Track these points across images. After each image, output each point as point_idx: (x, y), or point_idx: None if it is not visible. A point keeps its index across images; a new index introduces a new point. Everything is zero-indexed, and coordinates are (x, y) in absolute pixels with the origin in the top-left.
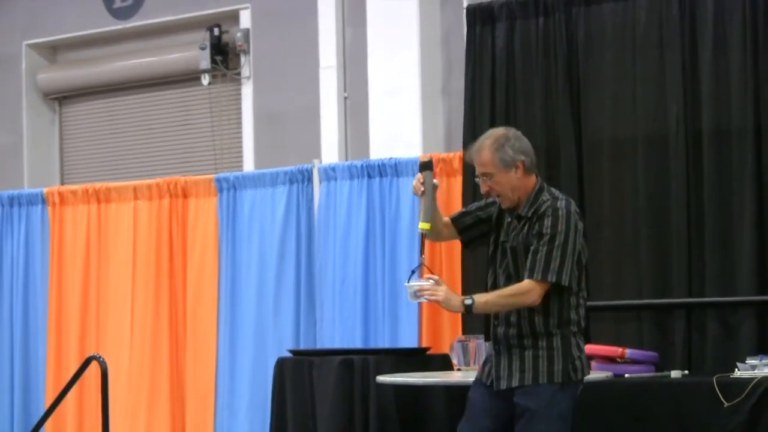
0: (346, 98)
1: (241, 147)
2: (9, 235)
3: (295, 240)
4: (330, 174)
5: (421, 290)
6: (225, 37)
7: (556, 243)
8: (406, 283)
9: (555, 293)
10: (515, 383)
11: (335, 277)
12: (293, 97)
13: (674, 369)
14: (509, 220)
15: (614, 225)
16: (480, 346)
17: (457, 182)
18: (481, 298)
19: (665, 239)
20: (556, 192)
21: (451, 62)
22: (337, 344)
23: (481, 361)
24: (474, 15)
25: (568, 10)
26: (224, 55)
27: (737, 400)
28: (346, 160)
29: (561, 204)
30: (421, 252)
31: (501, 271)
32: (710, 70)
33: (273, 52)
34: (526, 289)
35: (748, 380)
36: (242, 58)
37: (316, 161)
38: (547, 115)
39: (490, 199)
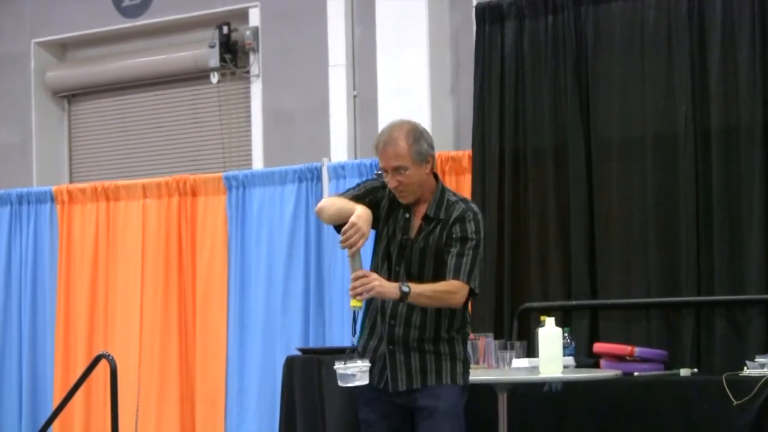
0: (355, 97)
1: (250, 145)
2: (18, 234)
3: (304, 238)
4: (339, 172)
5: (352, 288)
6: (234, 36)
7: (479, 250)
8: (335, 366)
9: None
10: (417, 384)
11: (344, 276)
12: (302, 96)
13: (683, 367)
14: (407, 216)
15: (623, 224)
16: (490, 344)
17: (467, 180)
18: (416, 288)
19: (674, 238)
20: (456, 193)
21: (459, 61)
22: (346, 343)
23: (492, 359)
24: (483, 14)
25: (577, 8)
26: (233, 53)
27: (746, 398)
28: (356, 158)
29: (476, 208)
30: (353, 332)
31: (401, 268)
32: (719, 69)
33: (282, 51)
34: (457, 289)
35: (757, 378)
36: (251, 57)
37: (325, 160)
38: (556, 114)
39: (376, 183)
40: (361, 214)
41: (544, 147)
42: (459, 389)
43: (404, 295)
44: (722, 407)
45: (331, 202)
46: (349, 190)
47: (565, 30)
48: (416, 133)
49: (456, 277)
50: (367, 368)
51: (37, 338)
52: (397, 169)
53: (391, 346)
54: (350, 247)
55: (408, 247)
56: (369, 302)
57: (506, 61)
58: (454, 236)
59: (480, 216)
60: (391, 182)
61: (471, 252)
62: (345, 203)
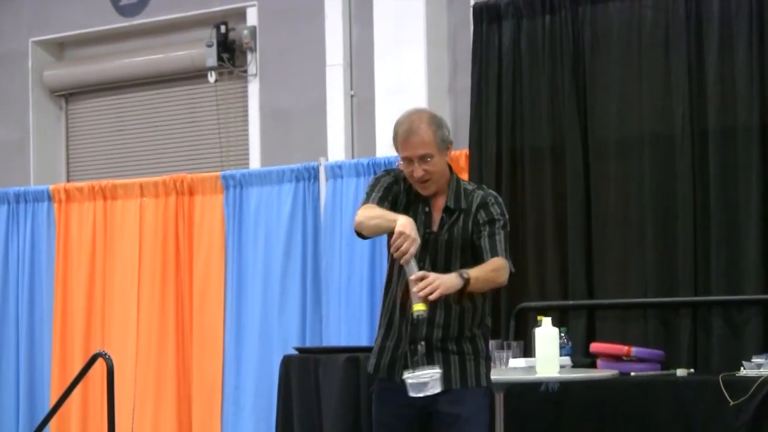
0: (352, 96)
1: (248, 144)
2: (15, 232)
3: (302, 237)
4: (336, 172)
5: (419, 291)
6: (232, 35)
7: (507, 229)
8: (405, 376)
9: (480, 295)
10: (440, 387)
11: (341, 275)
12: (300, 95)
13: (680, 367)
14: (427, 210)
15: (620, 223)
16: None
17: (464, 179)
18: (472, 273)
19: (671, 238)
20: (469, 182)
21: (457, 61)
22: (343, 342)
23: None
24: (481, 13)
25: (574, 8)
26: (231, 52)
27: (743, 398)
28: (353, 158)
29: (495, 193)
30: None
31: (426, 263)
32: (716, 70)
33: (280, 50)
34: (502, 265)
35: (754, 379)
36: (249, 56)
37: (322, 159)
38: (554, 114)
39: (389, 179)
40: (405, 222)
41: (542, 146)
42: (483, 391)
43: (466, 283)
44: (719, 407)
45: (368, 216)
46: (368, 192)
47: (563, 30)
48: (437, 120)
49: (495, 254)
50: (439, 374)
51: (35, 336)
52: (423, 158)
53: (413, 346)
54: (403, 254)
55: (432, 241)
56: (385, 300)
57: (503, 60)
58: (481, 221)
59: (500, 199)
60: (417, 172)
61: (501, 231)
62: (382, 214)
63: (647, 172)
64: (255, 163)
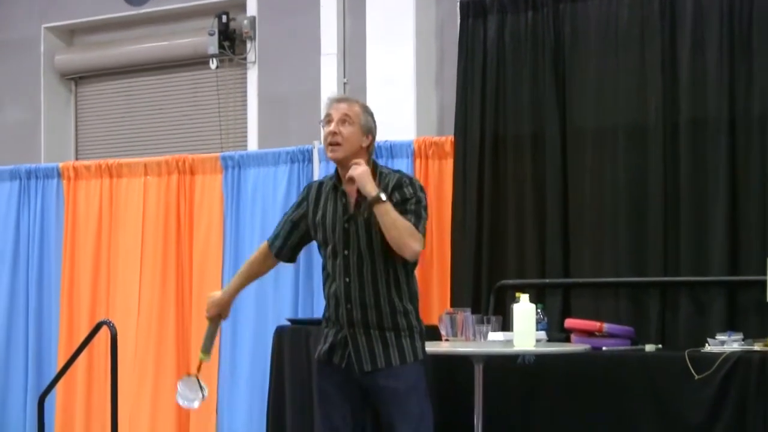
0: (345, 84)
1: (246, 128)
2: (26, 207)
3: None
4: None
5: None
6: (232, 24)
7: (423, 205)
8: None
9: (402, 266)
10: (381, 364)
11: None
12: (295, 82)
13: (649, 343)
14: (344, 200)
15: (595, 208)
16: (467, 319)
17: (448, 164)
18: (387, 204)
19: (642, 222)
20: (389, 168)
21: (444, 52)
22: (302, 315)
23: (469, 333)
24: (467, 8)
25: (555, 5)
26: (231, 41)
27: (707, 373)
28: None
29: (411, 176)
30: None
31: (350, 251)
32: (688, 65)
33: (277, 39)
34: (414, 232)
35: (718, 354)
36: (248, 44)
37: (316, 142)
38: (534, 104)
39: (296, 202)
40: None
41: (523, 134)
42: (420, 365)
43: (377, 198)
44: (685, 381)
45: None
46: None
47: (544, 25)
48: (368, 109)
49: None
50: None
51: (43, 305)
52: (342, 120)
53: (351, 330)
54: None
55: (353, 225)
56: (329, 281)
57: (488, 53)
58: (394, 201)
59: (416, 182)
60: (333, 127)
61: (413, 207)
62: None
63: (621, 160)
64: (253, 145)
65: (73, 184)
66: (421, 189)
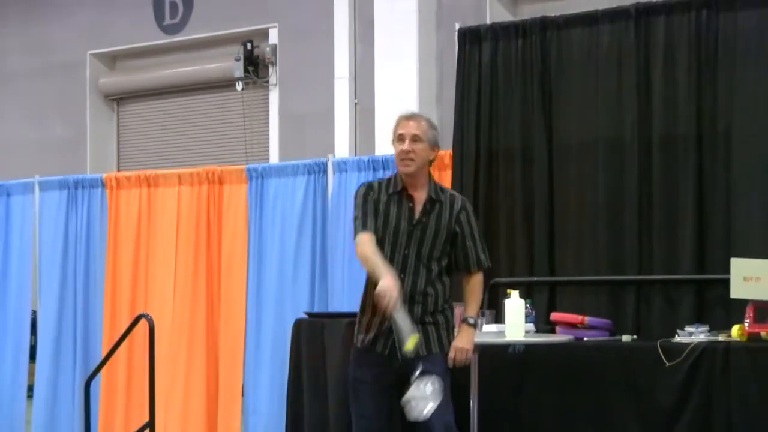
0: (356, 104)
1: (268, 142)
2: (74, 213)
3: (311, 222)
4: (342, 167)
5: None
6: (256, 51)
7: (478, 232)
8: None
9: (446, 271)
10: (423, 352)
11: (344, 253)
12: (312, 102)
13: (625, 334)
14: (410, 206)
15: (578, 214)
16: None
17: (447, 175)
18: (471, 312)
19: (620, 226)
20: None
21: (444, 75)
22: (345, 308)
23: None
24: (464, 36)
25: (542, 33)
26: (255, 65)
27: (677, 360)
28: (355, 155)
29: (466, 200)
30: (399, 357)
31: (410, 250)
32: (659, 87)
33: (296, 64)
34: (480, 279)
35: (686, 344)
36: (270, 69)
37: (330, 156)
38: (524, 121)
39: (365, 189)
40: (385, 285)
41: (513, 148)
42: (446, 353)
43: (475, 327)
44: (657, 368)
45: (365, 257)
46: (357, 215)
47: (533, 51)
48: (432, 123)
49: (479, 267)
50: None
51: (89, 300)
52: (414, 138)
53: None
54: (387, 312)
55: (418, 228)
56: (368, 287)
57: (483, 75)
58: (463, 223)
59: (469, 206)
60: (405, 147)
61: (476, 237)
62: (374, 263)
63: (601, 170)
64: (274, 158)
65: (115, 192)
66: (476, 218)
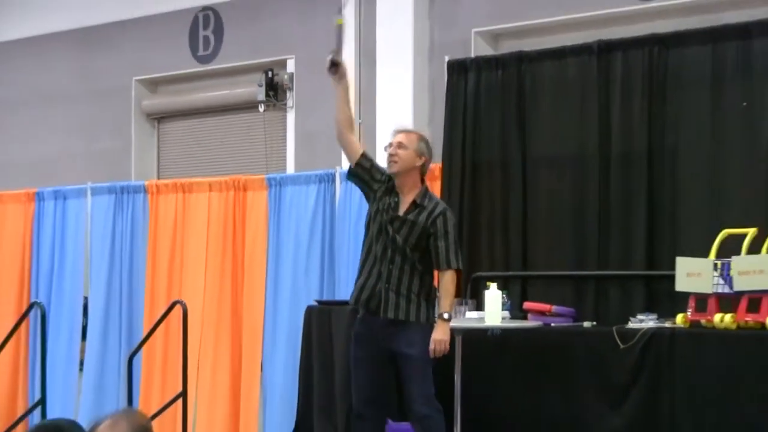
0: (360, 123)
1: (285, 156)
2: (120, 215)
3: (321, 224)
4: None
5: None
6: (276, 78)
7: (452, 237)
8: None
9: (428, 272)
10: (401, 317)
11: (349, 250)
12: (323, 122)
13: (586, 321)
14: (396, 200)
15: (547, 218)
16: None
17: (437, 184)
18: (445, 307)
19: (582, 229)
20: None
21: (435, 99)
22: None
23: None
24: (453, 67)
25: (519, 65)
26: (275, 90)
27: (630, 343)
28: None
29: (448, 209)
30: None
31: (399, 236)
32: (617, 111)
33: (309, 90)
34: (451, 278)
35: (638, 330)
36: (287, 94)
37: (338, 168)
38: (502, 139)
39: (382, 170)
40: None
41: (493, 161)
42: (430, 329)
43: (449, 320)
44: (613, 350)
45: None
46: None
47: (510, 80)
48: (424, 137)
49: (447, 266)
50: None
51: (133, 289)
52: (399, 145)
53: (386, 285)
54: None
55: (398, 221)
56: (367, 255)
57: (468, 100)
58: (436, 228)
59: (450, 216)
60: (392, 149)
61: (445, 241)
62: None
63: (567, 181)
64: (290, 169)
65: (155, 197)
66: (453, 225)
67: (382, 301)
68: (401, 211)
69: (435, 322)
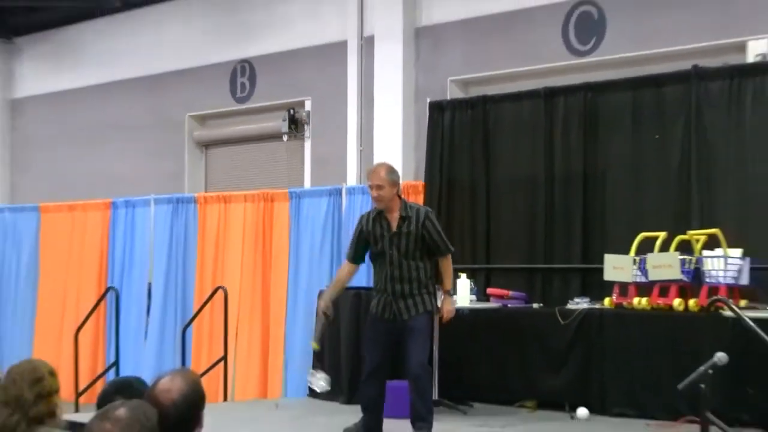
0: (361, 150)
1: (303, 174)
2: (176, 221)
3: (331, 228)
4: (351, 192)
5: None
6: (296, 115)
7: (440, 230)
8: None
9: (429, 260)
10: (412, 314)
11: None
12: (332, 149)
13: (535, 303)
14: (384, 224)
15: (506, 229)
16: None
17: (420, 198)
18: (447, 285)
19: (533, 233)
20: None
21: (419, 132)
22: (352, 284)
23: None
24: (433, 107)
25: (484, 106)
26: (295, 124)
27: (568, 320)
28: (360, 184)
29: (428, 209)
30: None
31: (394, 251)
32: (560, 143)
33: (322, 124)
34: (450, 261)
35: (574, 310)
36: (305, 127)
37: (343, 184)
38: (472, 164)
39: (358, 229)
40: (319, 301)
41: (464, 181)
42: (430, 314)
43: (452, 295)
44: (555, 326)
45: (335, 278)
46: (350, 243)
47: (478, 117)
48: (390, 169)
49: (446, 252)
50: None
51: (185, 278)
52: (378, 188)
53: (394, 296)
54: (318, 311)
55: (395, 236)
56: (381, 269)
57: (444, 133)
58: (429, 229)
59: (431, 214)
60: (373, 193)
61: (439, 236)
62: (331, 285)
63: (521, 197)
64: (307, 184)
65: (203, 207)
66: (437, 220)
67: (396, 312)
68: (394, 228)
69: (436, 305)
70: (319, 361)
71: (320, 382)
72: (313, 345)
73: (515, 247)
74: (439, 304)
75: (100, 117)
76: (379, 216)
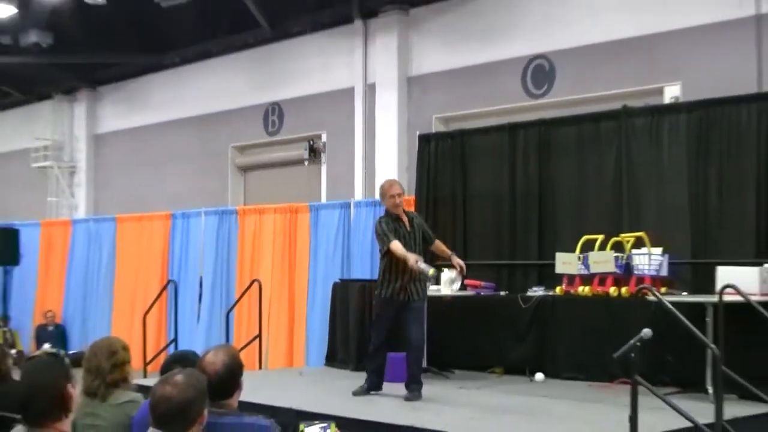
0: (365, 172)
1: (320, 191)
2: (221, 228)
3: (342, 234)
4: (359, 206)
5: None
6: (315, 145)
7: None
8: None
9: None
10: (421, 296)
11: (362, 250)
12: (343, 171)
13: (502, 291)
14: (402, 224)
15: (479, 233)
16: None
17: (412, 208)
18: (450, 250)
19: (501, 238)
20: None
21: (411, 159)
22: (359, 277)
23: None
24: (421, 139)
25: (462, 138)
26: (314, 152)
27: (528, 304)
28: (365, 198)
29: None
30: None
31: (411, 243)
32: (521, 166)
33: (335, 153)
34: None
35: (533, 296)
36: (322, 154)
37: (352, 199)
38: (451, 182)
39: (387, 222)
40: (413, 257)
41: (446, 196)
42: (426, 300)
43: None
44: (517, 309)
45: (399, 250)
46: (386, 232)
47: (456, 147)
48: (402, 186)
49: (435, 238)
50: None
51: (228, 273)
52: (400, 195)
53: (410, 281)
54: (416, 266)
55: (411, 234)
56: (390, 265)
57: (431, 160)
58: (423, 225)
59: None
60: (397, 200)
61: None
62: (405, 252)
63: (490, 209)
64: (323, 199)
65: (243, 217)
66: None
67: (410, 293)
68: (408, 228)
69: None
70: (333, 338)
71: (430, 269)
72: (432, 271)
73: (486, 247)
74: (453, 262)
75: (162, 148)
76: (393, 219)
